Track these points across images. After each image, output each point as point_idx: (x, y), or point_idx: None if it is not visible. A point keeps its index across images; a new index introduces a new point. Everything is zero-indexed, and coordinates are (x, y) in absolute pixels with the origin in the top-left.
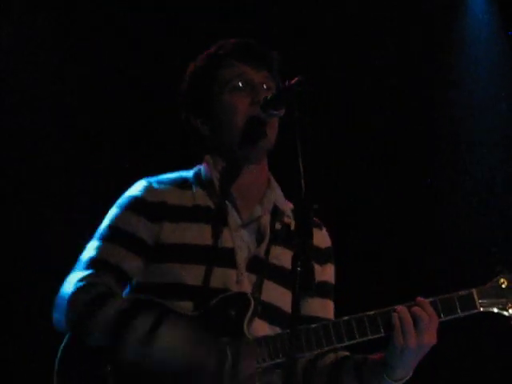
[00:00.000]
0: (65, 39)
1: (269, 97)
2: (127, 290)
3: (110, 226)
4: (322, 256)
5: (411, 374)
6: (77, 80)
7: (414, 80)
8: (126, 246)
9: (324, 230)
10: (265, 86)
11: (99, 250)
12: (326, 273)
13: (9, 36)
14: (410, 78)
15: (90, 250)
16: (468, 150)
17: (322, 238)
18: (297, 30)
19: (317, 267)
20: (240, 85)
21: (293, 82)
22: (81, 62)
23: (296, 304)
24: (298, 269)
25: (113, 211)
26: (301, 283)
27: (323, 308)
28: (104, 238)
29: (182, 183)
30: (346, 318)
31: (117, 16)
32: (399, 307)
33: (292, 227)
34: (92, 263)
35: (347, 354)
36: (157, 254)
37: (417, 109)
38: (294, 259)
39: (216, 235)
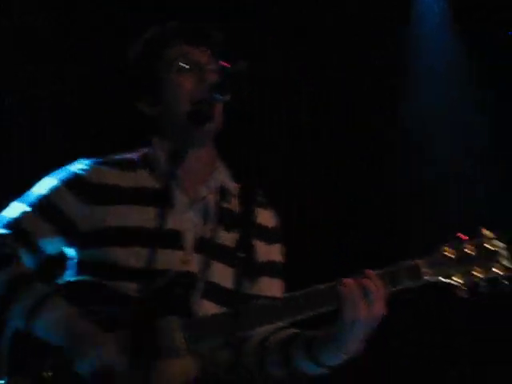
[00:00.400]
0: (65, 39)
1: (215, 82)
2: (72, 269)
3: (43, 196)
4: (270, 235)
5: (362, 346)
6: (77, 80)
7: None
8: (52, 221)
9: (271, 209)
10: (209, 66)
11: (23, 214)
12: (275, 252)
13: (9, 36)
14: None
15: (14, 210)
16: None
17: (269, 218)
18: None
19: (264, 246)
20: (185, 65)
21: (238, 66)
22: (81, 62)
23: (238, 289)
24: (240, 255)
25: (49, 181)
26: (243, 269)
27: (272, 287)
28: (32, 205)
29: (127, 165)
30: (293, 293)
31: (117, 16)
32: (347, 280)
33: (237, 209)
34: (10, 224)
35: (297, 330)
36: (96, 237)
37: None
38: (237, 246)
39: (161, 217)
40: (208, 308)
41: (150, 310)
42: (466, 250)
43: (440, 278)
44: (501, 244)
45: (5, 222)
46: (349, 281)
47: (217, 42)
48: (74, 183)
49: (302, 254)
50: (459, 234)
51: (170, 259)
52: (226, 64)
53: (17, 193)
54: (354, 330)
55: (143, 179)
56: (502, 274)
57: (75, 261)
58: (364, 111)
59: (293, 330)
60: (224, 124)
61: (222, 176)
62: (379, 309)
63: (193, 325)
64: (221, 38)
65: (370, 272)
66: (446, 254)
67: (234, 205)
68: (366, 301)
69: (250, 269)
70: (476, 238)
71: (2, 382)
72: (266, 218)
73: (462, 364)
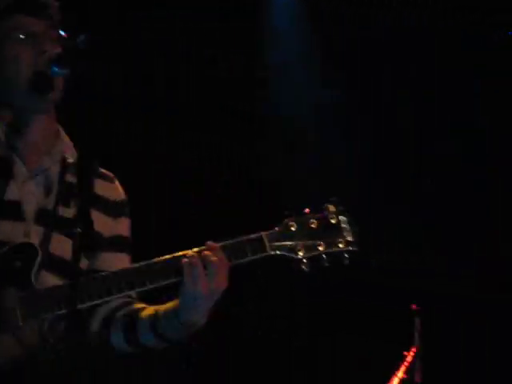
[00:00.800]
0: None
1: (54, 54)
2: None
3: None
4: (114, 209)
5: (205, 319)
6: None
7: None
8: None
9: (116, 182)
10: (48, 37)
11: None
12: (120, 226)
13: None
14: None
15: None
16: None
17: (112, 191)
18: None
19: (108, 220)
20: (22, 36)
21: (78, 40)
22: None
23: (78, 262)
24: (78, 230)
25: None
26: (82, 242)
27: (117, 262)
28: None
29: None
30: (135, 264)
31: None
32: (189, 252)
33: (77, 181)
34: None
35: (141, 305)
36: None
37: None
38: (76, 218)
39: (1, 188)
40: (49, 280)
41: None
42: (311, 225)
43: (283, 252)
44: (344, 219)
45: None
46: (191, 253)
47: (55, 13)
48: None
49: (149, 226)
50: (304, 209)
51: (9, 231)
52: (65, 35)
53: None
54: (195, 304)
55: None
56: (343, 248)
57: None
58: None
59: (137, 305)
60: (67, 95)
61: (65, 147)
62: (221, 282)
63: (31, 298)
64: (59, 9)
65: (213, 244)
66: (290, 228)
67: (76, 177)
68: (208, 274)
69: (89, 241)
70: (321, 212)
71: None
72: (109, 191)
73: (301, 335)
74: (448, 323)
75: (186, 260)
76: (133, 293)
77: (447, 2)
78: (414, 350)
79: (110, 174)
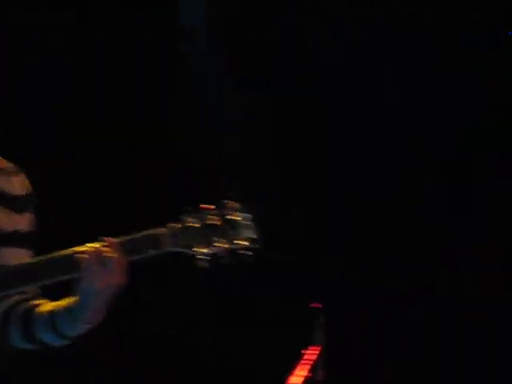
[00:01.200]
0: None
1: None
2: None
3: None
4: (14, 203)
5: (102, 315)
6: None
7: None
8: None
9: (19, 176)
10: None
11: None
12: (22, 221)
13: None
14: None
15: None
16: None
17: (13, 185)
18: None
19: (8, 214)
20: None
21: None
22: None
23: None
24: None
25: None
26: None
27: (17, 257)
28: None
29: None
30: (29, 260)
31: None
32: (86, 247)
33: None
34: None
35: (39, 301)
36: None
37: None
38: None
39: None
40: None
41: None
42: (211, 221)
43: (181, 248)
44: (245, 215)
45: None
46: (89, 248)
47: None
48: None
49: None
50: (203, 205)
51: None
52: None
53: None
54: (91, 300)
55: None
56: (243, 244)
57: None
58: None
59: (36, 301)
60: None
61: None
62: (117, 278)
63: None
64: None
65: (111, 240)
66: (189, 224)
67: None
68: (105, 269)
69: None
70: (220, 208)
71: None
72: (8, 184)
73: (205, 329)
74: (448, 323)
75: (82, 255)
76: (31, 288)
77: (447, 2)
78: (316, 348)
79: (13, 168)
